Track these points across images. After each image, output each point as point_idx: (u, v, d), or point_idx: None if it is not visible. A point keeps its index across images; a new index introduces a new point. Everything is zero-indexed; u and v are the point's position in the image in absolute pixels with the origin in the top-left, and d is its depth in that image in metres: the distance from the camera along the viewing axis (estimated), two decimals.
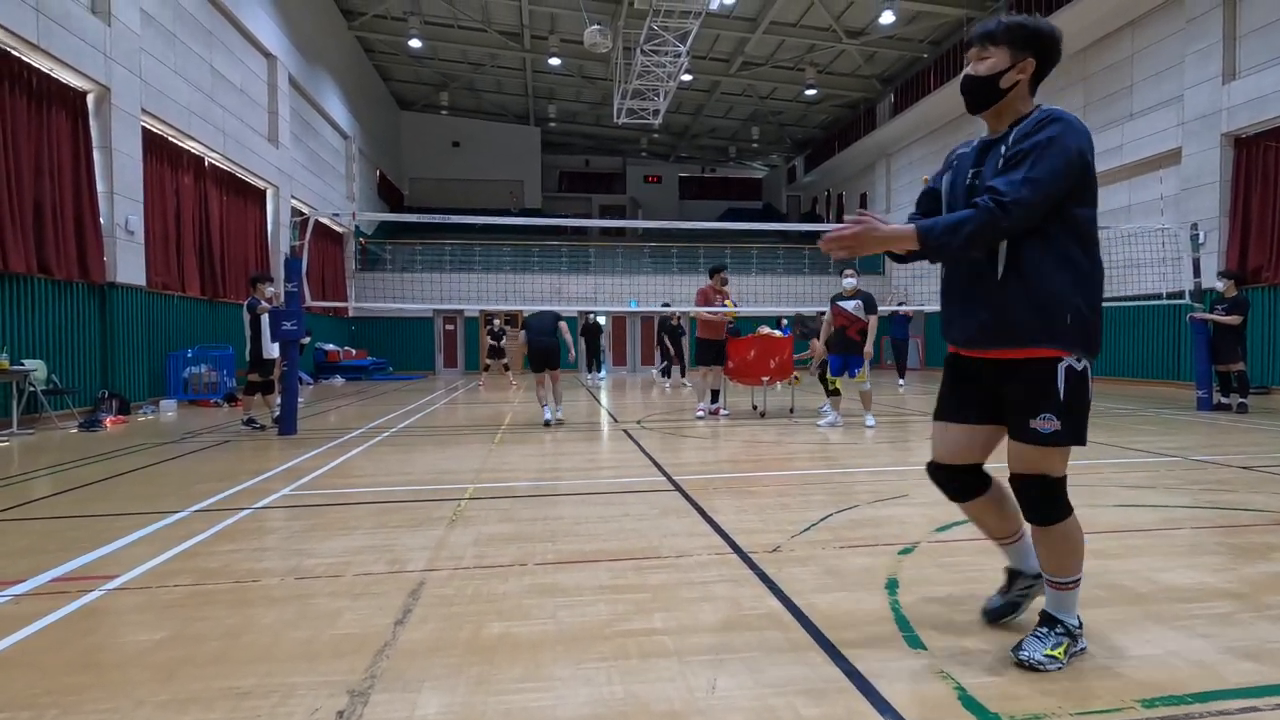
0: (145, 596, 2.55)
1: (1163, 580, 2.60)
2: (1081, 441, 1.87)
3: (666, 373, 15.41)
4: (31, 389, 7.75)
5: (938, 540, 3.16)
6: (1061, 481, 1.91)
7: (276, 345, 7.61)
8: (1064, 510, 1.91)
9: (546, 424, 7.85)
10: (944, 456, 2.08)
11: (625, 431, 7.35)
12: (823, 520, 3.53)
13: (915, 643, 2.10)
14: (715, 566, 2.84)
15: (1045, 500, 1.91)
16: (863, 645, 2.08)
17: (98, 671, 1.95)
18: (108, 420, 8.18)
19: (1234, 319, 8.57)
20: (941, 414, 2.09)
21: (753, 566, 2.82)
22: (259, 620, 2.31)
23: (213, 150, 12.09)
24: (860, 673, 1.91)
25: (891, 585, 2.59)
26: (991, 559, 2.87)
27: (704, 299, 8.54)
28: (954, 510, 3.64)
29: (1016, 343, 1.86)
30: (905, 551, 3.00)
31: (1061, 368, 1.83)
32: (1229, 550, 2.99)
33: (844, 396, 7.81)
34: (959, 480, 2.09)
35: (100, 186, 9.21)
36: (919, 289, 21.16)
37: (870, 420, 7.35)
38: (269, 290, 7.92)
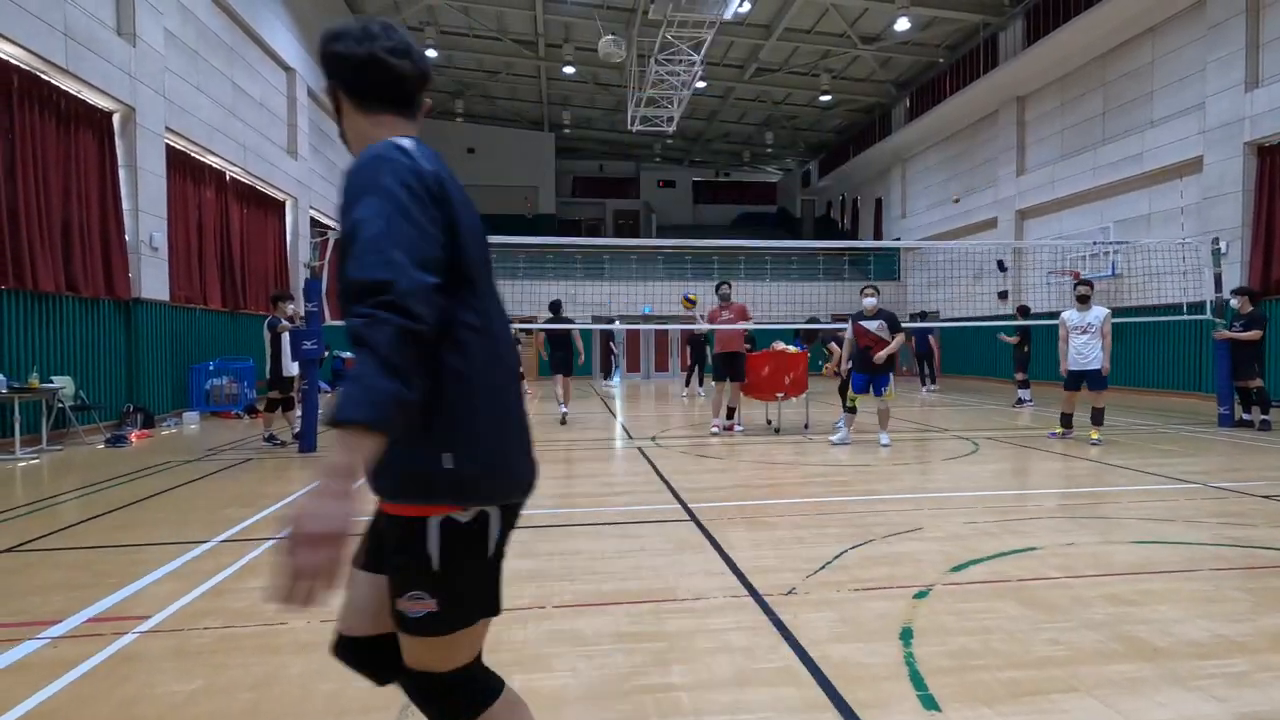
0: (177, 640, 2.63)
1: (1180, 633, 2.60)
2: (472, 620, 1.27)
3: (688, 381, 15.50)
4: (60, 405, 7.93)
5: (953, 582, 3.18)
6: (458, 683, 1.29)
7: (296, 363, 7.75)
8: None
9: (563, 420, 9.89)
10: (344, 624, 1.38)
11: (640, 450, 7.40)
12: (837, 558, 3.55)
13: (929, 703, 2.12)
14: (731, 611, 2.88)
15: (430, 707, 1.32)
16: (877, 705, 2.11)
17: None
18: (133, 435, 8.35)
19: (1254, 334, 8.47)
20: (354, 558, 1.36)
21: (768, 612, 2.85)
22: (288, 669, 2.38)
23: (233, 164, 12.29)
24: None
25: (906, 635, 2.61)
26: (1007, 604, 2.88)
27: (713, 318, 8.60)
28: (970, 547, 3.67)
29: (386, 493, 1.25)
30: (920, 595, 3.02)
31: (434, 525, 1.21)
32: (1248, 596, 2.98)
33: (860, 413, 7.80)
34: (367, 660, 1.38)
35: (125, 204, 9.40)
36: (933, 296, 21.04)
37: (885, 439, 7.33)
38: (289, 308, 8.05)
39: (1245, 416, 8.68)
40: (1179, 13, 12.96)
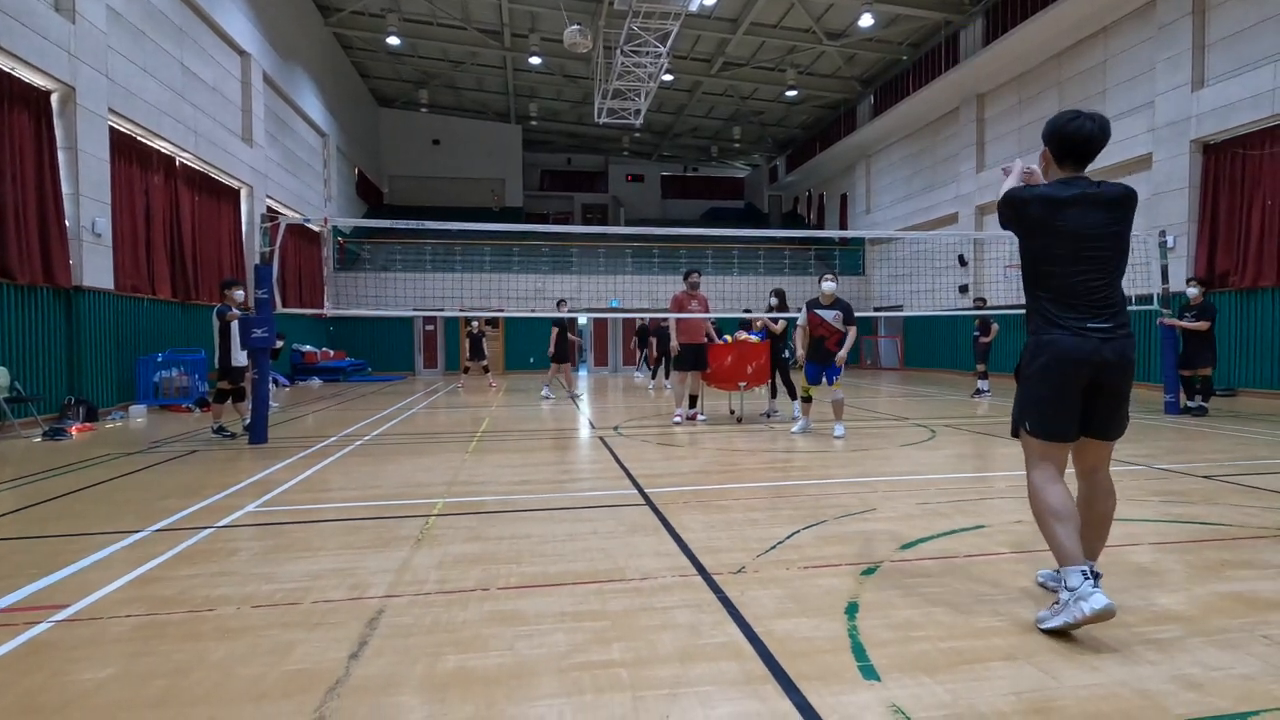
0: (95, 629, 2.49)
1: (1118, 602, 2.63)
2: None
3: (654, 374, 15.48)
4: None
5: (901, 559, 3.18)
6: None
7: (245, 352, 7.51)
8: None
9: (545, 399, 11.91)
10: None
11: (601, 439, 7.33)
12: (789, 538, 3.54)
13: (870, 673, 2.11)
14: (678, 590, 2.84)
15: None
16: (817, 677, 2.09)
17: (38, 716, 1.91)
18: (74, 428, 8.01)
19: (1202, 325, 8.76)
20: None
21: (715, 590, 2.82)
22: (209, 656, 2.27)
23: (183, 150, 11.87)
24: (812, 707, 1.92)
25: (851, 610, 2.60)
26: (953, 579, 2.90)
27: (678, 305, 8.54)
28: (920, 526, 3.70)
29: None
30: (868, 572, 3.01)
31: None
32: (1184, 568, 3.04)
33: (818, 402, 7.83)
34: None
35: (65, 188, 9.00)
36: (898, 289, 21.35)
37: (840, 430, 7.25)
38: (239, 296, 7.80)
39: (1190, 404, 8.97)
40: (1130, 13, 13.31)
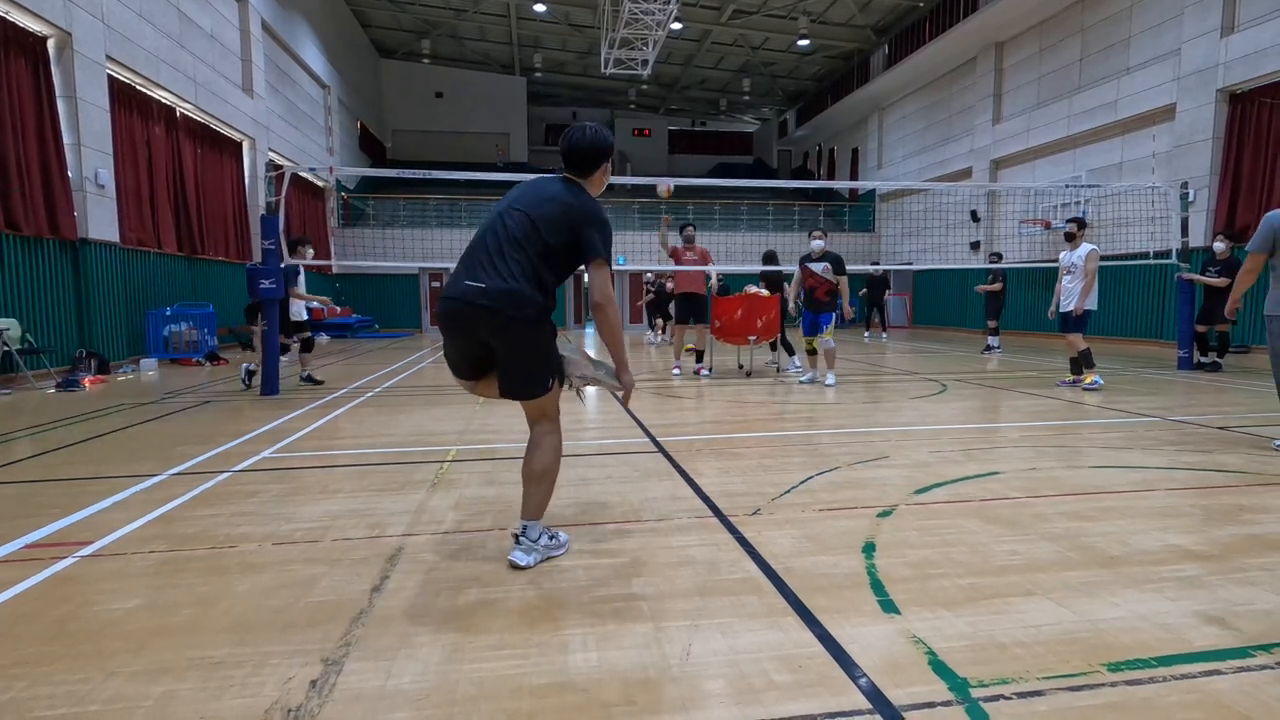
0: (119, 563, 2.53)
1: (1135, 543, 2.64)
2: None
3: (651, 328, 15.46)
4: (5, 348, 7.60)
5: (916, 503, 3.19)
6: None
7: (302, 305, 7.90)
8: None
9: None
10: None
11: (610, 391, 7.33)
12: (803, 483, 3.55)
13: (889, 607, 2.12)
14: (695, 530, 2.86)
15: None
16: (837, 610, 2.10)
17: (69, 641, 1.94)
18: (86, 380, 8.06)
19: (1223, 281, 8.61)
20: None
21: (732, 530, 2.84)
22: (234, 588, 2.30)
23: (184, 100, 11.66)
24: (833, 637, 1.93)
25: (868, 549, 2.61)
26: (968, 521, 2.90)
27: (675, 257, 8.50)
28: (934, 472, 3.69)
29: None
30: (884, 514, 3.02)
31: None
32: (1200, 512, 3.03)
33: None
34: None
35: (67, 138, 8.87)
36: (907, 246, 21.08)
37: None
38: (310, 254, 7.99)
39: (1203, 360, 8.89)
40: None
